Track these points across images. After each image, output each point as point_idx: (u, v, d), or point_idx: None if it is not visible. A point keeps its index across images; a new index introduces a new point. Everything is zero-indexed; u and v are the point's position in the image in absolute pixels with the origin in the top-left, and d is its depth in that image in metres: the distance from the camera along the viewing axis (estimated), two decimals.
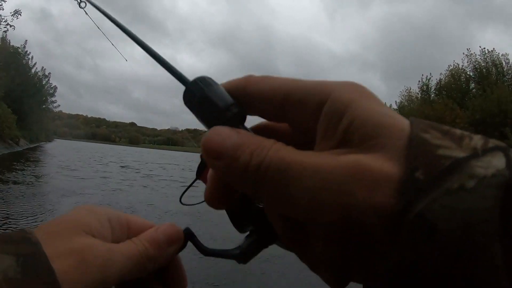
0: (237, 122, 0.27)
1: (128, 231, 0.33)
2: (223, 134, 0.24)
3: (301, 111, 0.25)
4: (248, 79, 0.27)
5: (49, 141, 55.81)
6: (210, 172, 0.28)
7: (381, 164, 0.20)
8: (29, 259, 0.24)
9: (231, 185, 0.26)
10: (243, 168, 0.23)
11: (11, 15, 21.43)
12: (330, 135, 0.23)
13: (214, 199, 0.29)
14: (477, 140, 0.20)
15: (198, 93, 0.28)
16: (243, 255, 0.31)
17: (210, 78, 0.28)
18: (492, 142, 0.20)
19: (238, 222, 0.31)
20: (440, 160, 0.19)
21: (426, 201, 0.18)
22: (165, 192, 9.66)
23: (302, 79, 0.25)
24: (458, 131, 0.21)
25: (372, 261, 0.21)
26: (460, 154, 0.19)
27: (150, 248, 0.31)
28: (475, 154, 0.19)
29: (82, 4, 0.63)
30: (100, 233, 0.30)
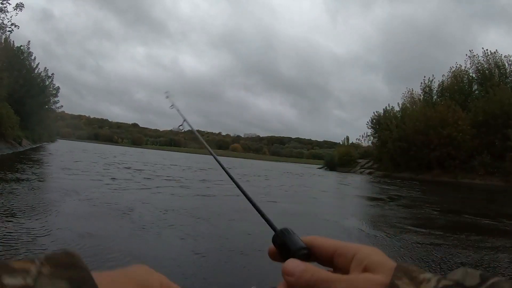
0: (305, 259, 0.43)
1: None
2: (296, 262, 0.41)
3: (342, 259, 0.41)
4: (314, 237, 0.45)
5: (52, 142, 56.01)
6: (281, 284, 0.42)
7: (381, 279, 0.35)
8: (82, 284, 0.27)
9: None
10: (306, 282, 0.38)
11: (14, 9, 21.42)
12: (357, 269, 0.39)
13: None
14: (433, 282, 0.32)
15: (282, 238, 0.46)
16: None
17: (290, 229, 0.47)
18: (442, 283, 0.32)
19: None
20: None
21: None
22: (165, 191, 9.68)
23: (342, 242, 0.43)
24: (421, 276, 0.34)
25: None
26: None
27: None
28: None
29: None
30: None
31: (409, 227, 6.90)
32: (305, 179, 24.12)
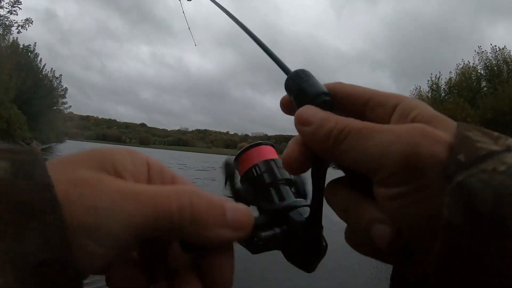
0: (326, 107, 0.32)
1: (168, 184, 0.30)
2: (314, 109, 0.31)
3: (380, 110, 0.32)
4: (339, 83, 0.35)
5: (61, 142, 56.48)
6: (293, 140, 0.33)
7: (439, 132, 0.27)
8: (26, 165, 0.23)
9: (311, 148, 0.31)
10: (328, 132, 0.29)
11: (23, 23, 21.84)
12: (402, 121, 0.30)
13: (294, 163, 0.32)
14: (511, 141, 0.26)
15: (297, 81, 0.34)
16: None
17: (308, 71, 0.35)
18: None
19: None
20: (478, 150, 0.25)
21: (465, 175, 0.24)
22: None
23: (377, 90, 0.33)
24: (496, 133, 0.27)
25: (428, 212, 0.26)
26: (495, 148, 0.25)
27: (199, 203, 0.26)
28: (508, 149, 0.25)
29: None
30: (132, 175, 0.28)
31: None
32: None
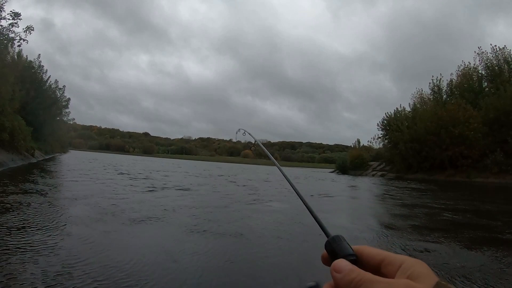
0: (353, 263, 0.47)
1: None
2: (345, 262, 0.47)
3: (389, 268, 0.46)
4: (364, 247, 0.51)
5: (64, 153, 56.73)
6: (327, 284, 0.48)
7: (419, 286, 0.40)
8: None
9: None
10: (351, 280, 0.44)
11: (24, 31, 21.98)
12: (401, 277, 0.44)
13: None
14: None
15: (333, 244, 0.51)
16: None
17: (342, 237, 0.52)
18: None
19: None
20: None
21: None
22: (168, 197, 9.75)
23: (390, 252, 0.48)
24: None
25: None
26: None
27: None
28: None
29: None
30: None
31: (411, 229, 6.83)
32: (323, 183, 24.00)
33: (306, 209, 0.64)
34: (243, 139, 1.51)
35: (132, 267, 3.45)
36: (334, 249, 0.51)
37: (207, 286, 3.25)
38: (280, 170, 0.90)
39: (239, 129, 1.64)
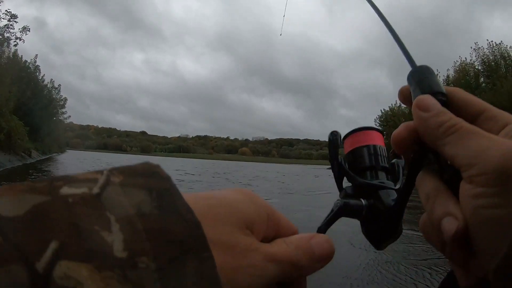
0: (442, 105, 0.35)
1: (277, 231, 0.32)
2: (434, 101, 0.34)
3: (491, 124, 0.34)
4: (459, 89, 0.38)
5: (61, 153, 56.54)
6: (404, 124, 0.36)
7: None
8: (165, 194, 0.23)
9: (421, 132, 0.34)
10: (441, 122, 0.32)
11: (20, 31, 21.98)
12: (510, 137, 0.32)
13: (401, 142, 0.36)
14: None
15: (422, 75, 0.38)
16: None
17: (431, 69, 0.38)
18: None
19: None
20: None
21: None
22: None
23: (491, 105, 0.36)
24: None
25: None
26: None
27: (303, 257, 0.30)
28: None
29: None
30: (258, 230, 0.30)
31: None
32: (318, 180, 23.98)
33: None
34: None
35: None
36: (421, 81, 0.38)
37: None
38: None
39: None
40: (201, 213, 0.24)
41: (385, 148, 0.46)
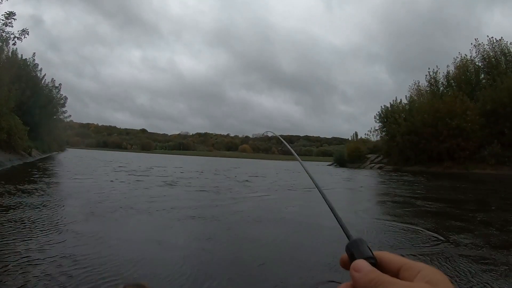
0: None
1: None
2: (365, 263, 0.48)
3: (407, 274, 0.46)
4: (384, 252, 0.51)
5: (62, 151, 56.59)
6: (345, 284, 0.48)
7: None
8: None
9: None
10: (370, 279, 0.45)
11: (19, 34, 21.94)
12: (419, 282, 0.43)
13: None
14: None
15: (354, 247, 0.52)
16: None
17: (363, 240, 0.52)
18: None
19: None
20: None
21: None
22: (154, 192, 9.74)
23: (409, 259, 0.48)
24: None
25: None
26: None
27: None
28: None
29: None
30: None
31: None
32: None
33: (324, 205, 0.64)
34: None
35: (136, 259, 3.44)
36: (354, 251, 0.51)
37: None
38: (303, 167, 0.88)
39: (266, 132, 1.74)
40: None
41: None
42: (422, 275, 0.44)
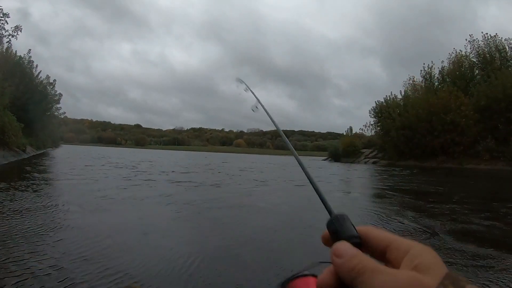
0: (356, 246, 0.43)
1: None
2: (347, 246, 0.42)
3: (395, 253, 0.41)
4: (369, 228, 0.46)
5: (56, 147, 56.29)
6: (328, 269, 0.43)
7: (428, 282, 0.35)
8: None
9: (340, 276, 0.41)
10: (352, 266, 0.40)
11: (12, 31, 21.79)
12: (408, 266, 0.39)
13: (328, 285, 0.43)
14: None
15: (335, 224, 0.46)
16: None
17: (346, 216, 0.47)
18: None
19: None
20: None
21: None
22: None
23: (397, 236, 0.43)
24: (468, 287, 0.35)
25: None
26: None
27: None
28: None
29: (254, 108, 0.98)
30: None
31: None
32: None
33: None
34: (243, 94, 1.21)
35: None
36: (337, 229, 0.45)
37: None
38: (284, 140, 0.81)
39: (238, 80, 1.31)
40: None
41: None
42: (411, 256, 0.40)
